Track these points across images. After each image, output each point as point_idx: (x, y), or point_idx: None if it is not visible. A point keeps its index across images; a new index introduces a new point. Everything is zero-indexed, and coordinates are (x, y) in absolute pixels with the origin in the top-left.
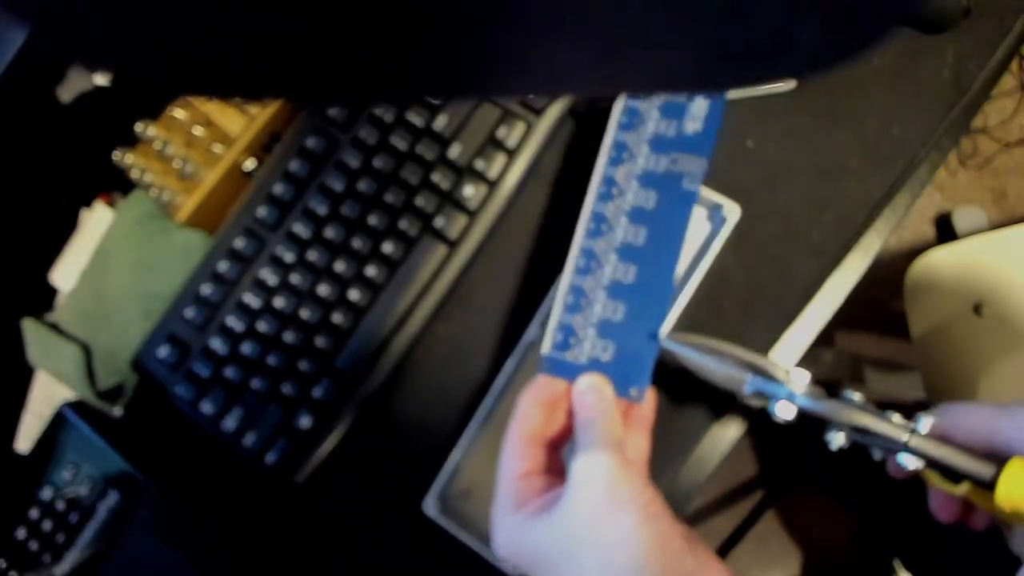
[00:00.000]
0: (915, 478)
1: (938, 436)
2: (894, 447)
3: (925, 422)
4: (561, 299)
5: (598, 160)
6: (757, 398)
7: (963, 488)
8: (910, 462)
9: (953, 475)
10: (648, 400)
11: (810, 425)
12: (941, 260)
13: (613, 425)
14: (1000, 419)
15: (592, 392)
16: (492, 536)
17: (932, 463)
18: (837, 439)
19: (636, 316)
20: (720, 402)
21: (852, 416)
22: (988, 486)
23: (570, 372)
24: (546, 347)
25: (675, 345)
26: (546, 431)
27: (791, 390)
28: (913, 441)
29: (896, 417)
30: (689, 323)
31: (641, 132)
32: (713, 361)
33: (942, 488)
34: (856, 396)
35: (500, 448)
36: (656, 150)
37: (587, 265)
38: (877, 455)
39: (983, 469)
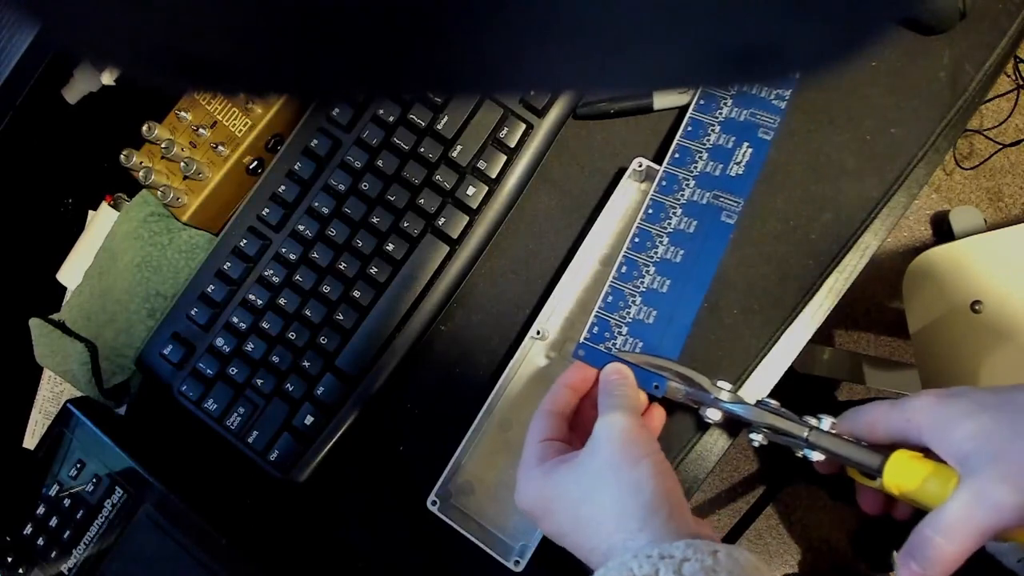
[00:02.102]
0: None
1: (844, 434)
2: (799, 443)
3: (826, 421)
4: (601, 298)
5: (652, 187)
6: (692, 403)
7: (878, 482)
8: (813, 455)
9: (867, 470)
10: (658, 414)
11: (735, 427)
12: (939, 258)
13: (633, 395)
14: (891, 412)
15: (616, 373)
16: (516, 490)
17: (832, 456)
18: (758, 438)
19: (665, 322)
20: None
21: (763, 417)
22: (879, 474)
23: (601, 360)
24: (583, 336)
25: (629, 360)
26: (571, 409)
27: (716, 396)
28: (812, 436)
29: (811, 419)
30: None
31: (691, 168)
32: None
33: (862, 482)
34: (772, 403)
35: (503, 445)
36: (701, 186)
37: (628, 273)
38: (798, 453)
39: (870, 459)
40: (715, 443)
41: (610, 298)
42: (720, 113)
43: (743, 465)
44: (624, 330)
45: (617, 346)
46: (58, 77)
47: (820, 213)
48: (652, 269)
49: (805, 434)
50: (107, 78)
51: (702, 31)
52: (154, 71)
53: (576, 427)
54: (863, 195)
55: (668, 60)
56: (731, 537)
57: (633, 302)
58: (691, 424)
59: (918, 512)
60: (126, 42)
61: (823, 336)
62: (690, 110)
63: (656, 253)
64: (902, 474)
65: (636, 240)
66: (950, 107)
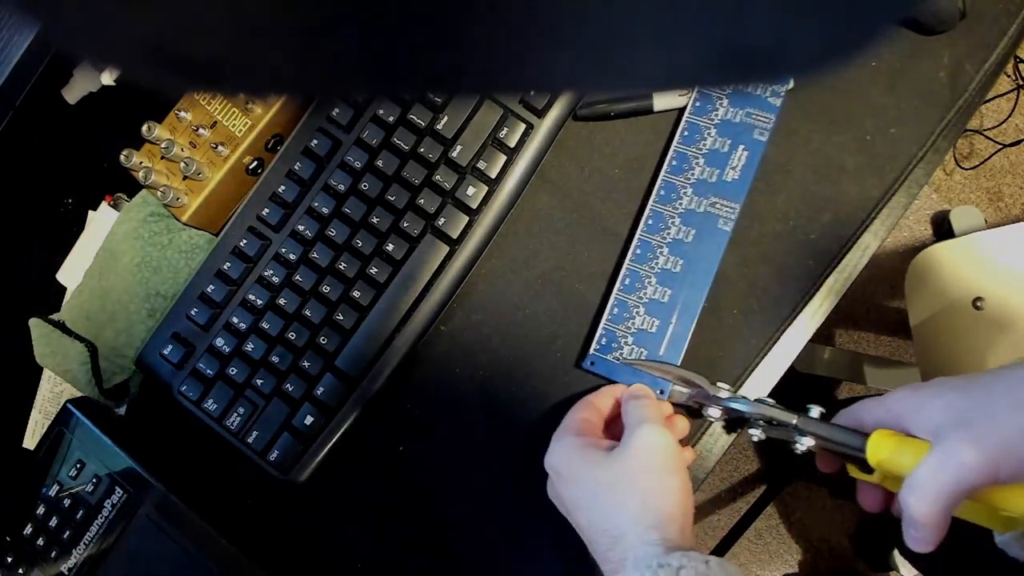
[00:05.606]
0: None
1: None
2: (790, 430)
3: (815, 410)
4: (608, 310)
5: (650, 198)
6: (694, 404)
7: (875, 476)
8: (805, 442)
9: (864, 465)
10: (681, 425)
11: (735, 424)
12: (942, 255)
13: (659, 408)
14: (874, 405)
15: (642, 390)
16: (550, 449)
17: (824, 442)
18: (756, 432)
19: (667, 330)
20: None
21: (758, 408)
22: (862, 451)
23: (610, 369)
24: (593, 348)
25: (635, 366)
26: (608, 409)
27: (714, 394)
28: (800, 422)
29: (816, 410)
30: None
31: (688, 176)
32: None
33: (860, 478)
34: (769, 400)
35: None
36: (698, 193)
37: (632, 284)
38: (800, 449)
39: (854, 439)
40: (715, 443)
41: (616, 310)
42: (716, 115)
43: (743, 465)
44: (630, 340)
45: (624, 355)
46: (58, 77)
47: (820, 213)
48: (654, 280)
49: (794, 420)
50: (107, 78)
51: (705, 32)
52: (153, 71)
53: (607, 430)
54: (863, 195)
55: (670, 62)
56: (731, 537)
57: (637, 313)
58: (691, 423)
59: None
60: (125, 42)
61: (823, 336)
62: (686, 113)
63: (657, 264)
64: (881, 447)
65: (638, 252)
66: (950, 107)
